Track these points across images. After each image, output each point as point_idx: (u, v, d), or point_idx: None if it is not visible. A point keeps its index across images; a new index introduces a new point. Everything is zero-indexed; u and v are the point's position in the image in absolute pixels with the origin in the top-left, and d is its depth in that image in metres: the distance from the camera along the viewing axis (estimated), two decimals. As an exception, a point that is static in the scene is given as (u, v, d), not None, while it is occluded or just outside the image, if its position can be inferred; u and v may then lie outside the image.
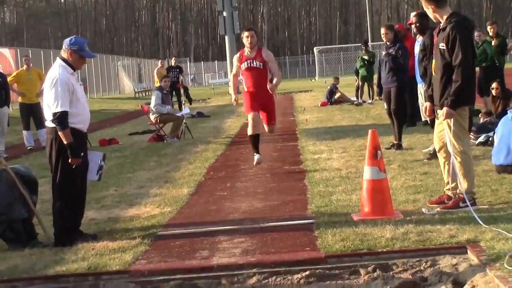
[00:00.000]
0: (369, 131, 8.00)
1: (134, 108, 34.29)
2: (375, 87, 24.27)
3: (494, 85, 15.43)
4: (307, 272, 6.17)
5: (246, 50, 11.70)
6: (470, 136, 11.47)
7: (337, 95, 28.03)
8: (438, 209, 7.85)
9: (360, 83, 27.40)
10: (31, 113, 17.95)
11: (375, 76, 21.24)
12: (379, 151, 7.88)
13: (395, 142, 12.97)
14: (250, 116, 11.57)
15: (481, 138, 12.59)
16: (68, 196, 7.73)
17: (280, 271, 6.29)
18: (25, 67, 18.65)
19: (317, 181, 10.22)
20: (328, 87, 29.18)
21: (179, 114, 18.64)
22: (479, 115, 15.27)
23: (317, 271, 6.21)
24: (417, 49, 12.12)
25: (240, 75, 11.92)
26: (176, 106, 25.83)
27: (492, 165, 10.02)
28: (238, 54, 11.93)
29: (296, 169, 11.82)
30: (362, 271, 6.16)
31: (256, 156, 11.71)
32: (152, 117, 17.93)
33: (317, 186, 9.86)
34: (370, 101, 26.87)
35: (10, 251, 7.56)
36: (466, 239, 6.58)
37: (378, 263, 6.27)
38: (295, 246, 6.95)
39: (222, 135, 18.56)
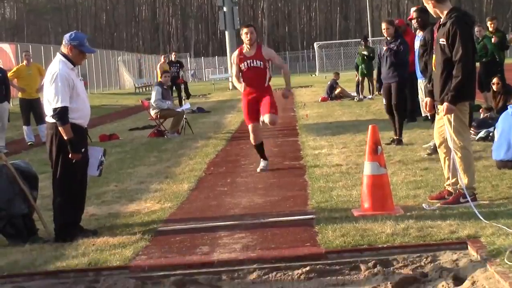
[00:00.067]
0: (370, 126, 8.00)
1: (134, 104, 34.28)
2: (374, 82, 24.28)
3: (495, 80, 15.42)
4: (308, 268, 6.17)
5: (245, 47, 11.25)
6: (471, 131, 11.46)
7: (338, 90, 28.04)
8: (439, 204, 7.85)
9: (360, 78, 27.40)
10: (31, 108, 17.95)
11: (375, 72, 21.23)
12: (379, 147, 7.88)
13: (395, 137, 12.98)
14: (250, 128, 11.42)
15: (482, 134, 12.59)
16: (68, 192, 7.73)
17: (280, 266, 6.30)
18: (25, 62, 18.64)
19: (318, 177, 10.22)
20: (329, 83, 29.18)
21: (179, 110, 18.64)
22: (480, 111, 15.27)
23: (318, 266, 6.21)
24: (417, 44, 12.11)
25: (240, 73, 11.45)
26: (176, 101, 25.81)
27: (493, 161, 10.02)
28: (237, 52, 11.42)
29: (296, 164, 11.82)
30: (362, 267, 6.15)
31: (262, 163, 11.45)
32: (153, 112, 17.93)
33: (318, 181, 9.86)
34: (370, 96, 26.87)
35: (11, 246, 7.57)
36: (466, 234, 6.58)
37: (379, 258, 6.27)
38: (295, 241, 6.95)
39: (223, 130, 18.57)
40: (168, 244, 7.23)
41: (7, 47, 35.91)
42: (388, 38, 13.03)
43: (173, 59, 30.91)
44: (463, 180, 7.78)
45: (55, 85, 7.58)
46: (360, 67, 27.30)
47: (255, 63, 11.21)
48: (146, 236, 7.49)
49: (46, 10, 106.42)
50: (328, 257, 6.42)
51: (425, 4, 8.16)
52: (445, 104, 7.70)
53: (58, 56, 7.83)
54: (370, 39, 45.31)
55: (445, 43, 7.77)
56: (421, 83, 12.08)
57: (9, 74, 18.03)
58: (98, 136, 18.03)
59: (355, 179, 9.71)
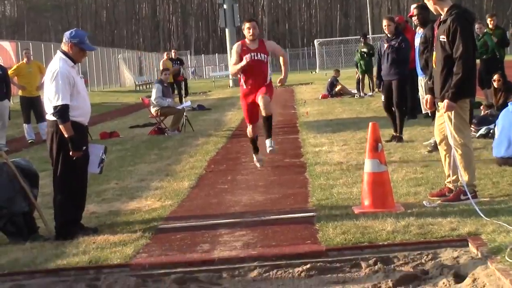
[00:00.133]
0: (370, 123, 8.00)
1: (134, 101, 34.27)
2: (374, 79, 24.28)
3: (496, 77, 15.40)
4: (308, 265, 6.18)
5: (248, 42, 11.01)
6: (471, 128, 11.46)
7: (338, 87, 28.02)
8: (439, 201, 7.85)
9: (360, 76, 27.39)
10: (32, 106, 17.94)
11: (375, 69, 21.22)
12: (379, 144, 7.88)
13: (394, 134, 12.97)
14: (249, 128, 11.43)
15: (482, 131, 12.59)
16: (69, 190, 7.73)
17: (281, 264, 6.30)
18: (25, 60, 18.64)
19: (318, 174, 10.22)
20: (329, 80, 29.17)
21: (180, 107, 18.64)
22: (481, 108, 15.26)
23: (318, 264, 6.21)
24: (417, 41, 12.10)
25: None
26: (176, 99, 25.81)
27: (493, 158, 10.02)
28: (240, 44, 11.13)
29: (297, 162, 11.82)
30: (363, 264, 6.16)
31: (256, 157, 11.44)
32: (153, 110, 17.93)
33: (318, 179, 9.86)
34: (370, 93, 26.86)
35: (11, 244, 7.57)
36: (467, 231, 6.58)
37: (379, 256, 6.27)
38: (296, 239, 6.95)
39: (223, 128, 18.57)
40: (168, 242, 7.23)
41: (7, 44, 35.92)
42: (389, 35, 13.02)
43: (173, 56, 30.91)
44: (464, 177, 7.78)
45: (56, 83, 7.58)
46: (359, 64, 27.29)
47: (259, 56, 10.97)
48: (146, 234, 7.49)
49: (46, 8, 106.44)
50: (328, 254, 6.42)
51: (425, 1, 8.15)
52: (446, 101, 7.69)
53: (59, 54, 7.83)
54: (370, 36, 45.32)
55: (445, 40, 7.76)
56: (422, 80, 12.07)
57: (10, 72, 18.01)
58: (99, 134, 18.03)
59: (355, 176, 9.70)
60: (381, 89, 13.45)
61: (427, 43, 10.95)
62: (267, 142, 11.09)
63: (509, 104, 10.23)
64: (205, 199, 9.33)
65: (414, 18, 11.89)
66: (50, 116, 7.71)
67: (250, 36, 11.00)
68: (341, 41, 72.93)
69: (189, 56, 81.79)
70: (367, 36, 32.76)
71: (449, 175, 8.12)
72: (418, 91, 12.97)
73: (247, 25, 11.06)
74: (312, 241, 6.81)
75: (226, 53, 47.19)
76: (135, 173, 11.77)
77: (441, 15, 7.91)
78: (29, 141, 17.90)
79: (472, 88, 8.03)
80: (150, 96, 19.30)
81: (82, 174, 7.87)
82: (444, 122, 7.92)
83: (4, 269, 6.64)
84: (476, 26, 16.92)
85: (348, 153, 12.04)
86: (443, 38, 7.79)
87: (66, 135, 7.56)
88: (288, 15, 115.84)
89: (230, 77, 42.15)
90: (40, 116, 16.86)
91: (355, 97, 26.47)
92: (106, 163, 8.60)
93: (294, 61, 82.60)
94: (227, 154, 13.51)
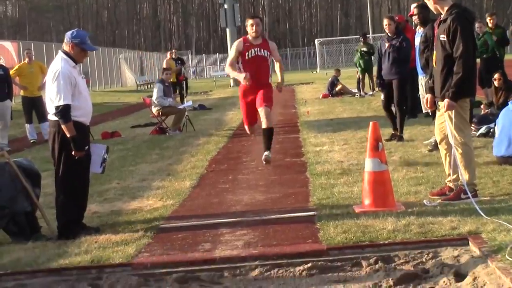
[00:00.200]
0: (370, 123, 8.01)
1: (136, 101, 34.27)
2: (374, 79, 24.28)
3: (496, 76, 15.40)
4: (309, 264, 6.19)
5: (251, 38, 10.89)
6: (471, 127, 11.47)
7: (338, 87, 28.02)
8: (440, 200, 7.87)
9: (360, 75, 27.39)
10: (33, 106, 17.96)
11: (375, 68, 21.23)
12: (380, 143, 7.90)
13: (393, 132, 12.99)
14: (247, 130, 11.40)
15: (482, 130, 12.60)
16: (71, 190, 7.75)
17: (282, 263, 6.31)
18: (27, 60, 18.67)
19: (319, 173, 10.23)
20: (329, 79, 29.17)
21: (181, 107, 18.65)
22: (481, 107, 15.27)
23: (319, 263, 6.23)
24: (417, 40, 12.11)
25: (240, 63, 11.00)
26: (178, 98, 25.82)
27: (493, 157, 10.03)
28: (241, 40, 10.97)
29: (297, 161, 11.83)
30: (364, 263, 6.17)
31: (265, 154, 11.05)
32: (154, 109, 17.95)
33: (319, 178, 9.88)
34: (371, 92, 26.86)
35: (13, 244, 7.58)
36: (467, 230, 6.59)
37: (380, 255, 6.28)
38: (297, 238, 6.96)
39: (224, 127, 18.58)
40: (170, 241, 7.25)
41: (9, 45, 35.93)
42: (390, 35, 13.04)
43: (173, 56, 30.85)
44: (464, 176, 7.79)
45: (57, 83, 7.60)
46: (358, 63, 27.28)
47: (261, 52, 10.87)
48: (148, 234, 7.51)
49: (48, 8, 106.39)
50: (329, 253, 6.44)
51: (425, 1, 8.17)
52: (446, 100, 7.71)
53: (60, 54, 7.85)
54: (370, 36, 45.27)
55: (445, 39, 7.78)
56: (422, 79, 12.08)
57: (11, 72, 18.04)
58: (100, 134, 18.04)
59: (356, 175, 9.72)
60: (380, 88, 13.45)
61: (427, 42, 10.96)
62: (265, 153, 10.94)
63: (509, 103, 10.24)
64: (206, 198, 9.34)
65: (414, 17, 11.90)
66: (52, 116, 7.73)
67: (253, 33, 10.90)
68: (342, 40, 72.92)
69: (190, 56, 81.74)
70: (367, 35, 32.73)
71: (449, 174, 8.14)
72: (418, 90, 12.98)
73: (250, 21, 10.94)
74: (313, 240, 6.83)
75: (227, 52, 47.10)
76: (137, 172, 11.78)
77: (441, 14, 7.92)
78: (31, 141, 17.92)
79: (472, 87, 8.05)
80: (151, 96, 19.31)
81: (84, 174, 7.89)
82: (444, 121, 7.94)
83: (6, 269, 6.66)
84: (476, 25, 16.93)
85: (349, 152, 12.05)
86: (443, 37, 7.81)
87: (68, 135, 7.58)
88: (288, 14, 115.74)
89: (231, 76, 42.11)
90: (42, 116, 16.89)
91: (356, 96, 26.48)
92: (107, 162, 8.62)
93: (295, 60, 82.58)
94: (228, 153, 13.53)
